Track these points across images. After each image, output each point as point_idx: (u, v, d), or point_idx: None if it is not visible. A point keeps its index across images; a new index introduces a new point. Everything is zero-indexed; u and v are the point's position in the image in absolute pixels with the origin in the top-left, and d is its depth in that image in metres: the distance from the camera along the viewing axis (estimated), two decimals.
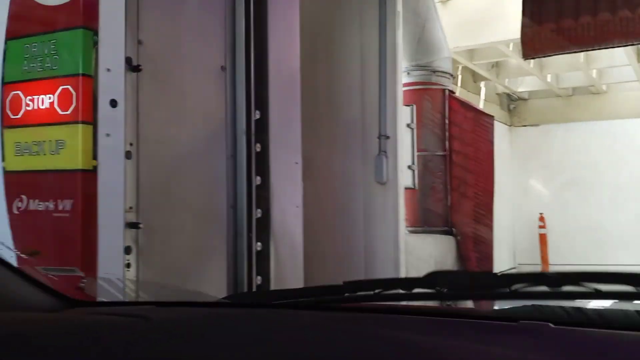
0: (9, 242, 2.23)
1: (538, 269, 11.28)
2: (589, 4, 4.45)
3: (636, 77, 10.21)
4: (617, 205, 10.89)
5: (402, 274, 4.54)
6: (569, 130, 11.44)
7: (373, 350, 0.86)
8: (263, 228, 3.02)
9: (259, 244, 2.99)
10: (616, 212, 10.87)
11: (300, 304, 1.26)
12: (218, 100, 2.87)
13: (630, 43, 5.99)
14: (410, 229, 5.42)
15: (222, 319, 1.15)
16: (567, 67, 9.96)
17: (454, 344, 0.87)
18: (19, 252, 2.11)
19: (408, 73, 5.58)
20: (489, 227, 6.38)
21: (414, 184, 5.55)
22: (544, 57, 8.09)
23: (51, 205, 2.25)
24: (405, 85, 5.20)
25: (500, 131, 10.66)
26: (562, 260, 10.97)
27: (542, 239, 11.31)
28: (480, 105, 9.91)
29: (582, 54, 9.07)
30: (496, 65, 10.15)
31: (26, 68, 2.31)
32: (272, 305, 1.32)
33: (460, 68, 9.17)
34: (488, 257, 6.31)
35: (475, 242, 6.14)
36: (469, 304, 1.30)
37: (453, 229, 5.89)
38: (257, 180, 2.99)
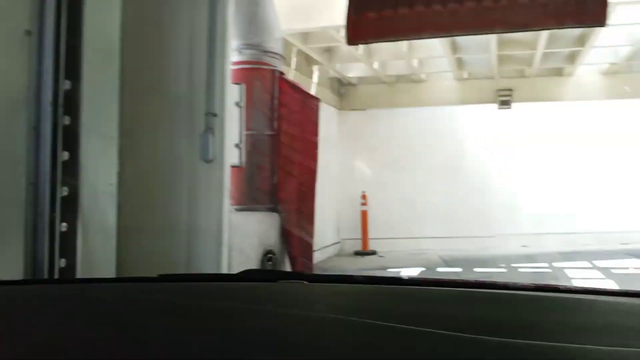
0: None
1: (359, 242, 12.02)
2: None
3: (450, 68, 11.14)
4: (429, 185, 11.91)
5: (225, 251, 4.55)
6: (391, 115, 12.19)
7: None
8: (70, 207, 2.83)
9: (64, 224, 2.79)
10: (428, 191, 11.89)
11: None
12: (20, 68, 2.61)
13: (441, 35, 6.51)
14: (237, 207, 5.44)
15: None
16: (392, 56, 10.54)
17: None
18: None
19: (240, 52, 5.53)
20: (312, 204, 6.61)
21: (241, 162, 5.56)
22: (366, 44, 8.47)
23: None
24: (237, 63, 5.15)
25: (329, 114, 11.05)
26: (380, 234, 11.77)
27: (364, 215, 11.99)
28: (313, 89, 10.14)
29: (406, 43, 9.67)
30: (329, 51, 10.40)
31: None
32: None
33: (295, 51, 9.27)
34: (309, 232, 6.55)
35: (298, 219, 6.33)
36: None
37: (278, 206, 6.02)
38: (65, 155, 2.77)
